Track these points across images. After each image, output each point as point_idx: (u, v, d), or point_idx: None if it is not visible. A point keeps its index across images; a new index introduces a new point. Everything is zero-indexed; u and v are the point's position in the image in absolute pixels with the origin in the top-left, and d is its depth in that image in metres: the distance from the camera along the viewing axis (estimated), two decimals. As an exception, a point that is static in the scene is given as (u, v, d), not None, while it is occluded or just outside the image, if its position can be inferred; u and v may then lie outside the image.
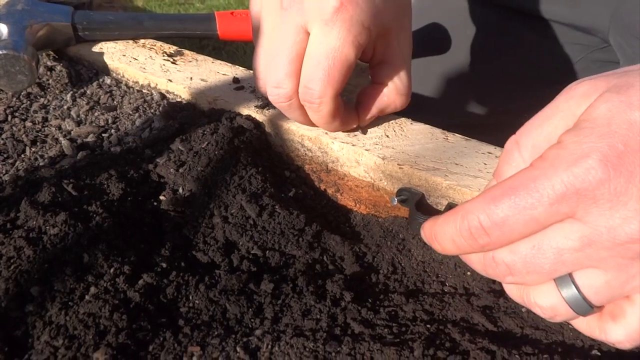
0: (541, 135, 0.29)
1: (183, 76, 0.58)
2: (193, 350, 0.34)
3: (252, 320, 0.37)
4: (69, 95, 0.58)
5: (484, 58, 0.77)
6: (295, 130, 0.50)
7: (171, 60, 0.61)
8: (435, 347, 0.35)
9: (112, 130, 0.53)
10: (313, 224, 0.45)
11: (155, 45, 0.64)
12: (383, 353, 0.34)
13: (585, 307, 0.27)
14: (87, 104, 0.57)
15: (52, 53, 0.62)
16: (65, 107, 0.56)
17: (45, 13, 0.59)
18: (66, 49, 0.62)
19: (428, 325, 0.37)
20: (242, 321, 0.36)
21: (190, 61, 0.61)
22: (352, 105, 0.49)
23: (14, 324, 0.34)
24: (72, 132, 0.53)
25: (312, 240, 0.44)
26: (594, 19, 0.66)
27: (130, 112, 0.55)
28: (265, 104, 0.53)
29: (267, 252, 0.42)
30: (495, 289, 0.42)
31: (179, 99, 0.57)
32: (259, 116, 0.52)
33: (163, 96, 0.57)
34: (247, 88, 0.56)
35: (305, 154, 0.51)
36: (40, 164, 0.48)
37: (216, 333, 0.35)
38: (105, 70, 0.61)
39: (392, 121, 0.51)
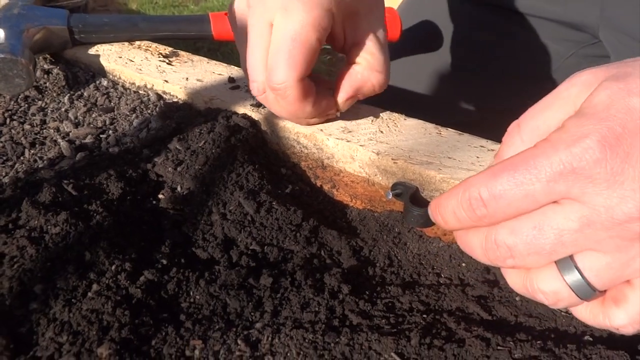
0: (542, 119, 0.30)
1: (179, 77, 0.58)
2: (195, 344, 0.35)
3: (252, 313, 0.37)
4: (66, 98, 0.58)
5: (476, 56, 0.78)
6: (291, 128, 0.51)
7: (167, 61, 0.62)
8: (431, 336, 0.36)
9: (110, 131, 0.54)
10: (310, 220, 0.46)
11: (150, 47, 0.64)
12: (381, 343, 0.35)
13: (588, 290, 0.27)
14: (85, 105, 0.57)
15: (48, 56, 0.63)
16: (63, 109, 0.57)
17: (42, 17, 0.59)
18: (63, 52, 0.63)
19: (424, 315, 0.38)
20: (243, 315, 0.37)
21: (185, 62, 0.62)
22: (330, 92, 0.48)
23: (19, 322, 0.34)
24: (70, 133, 0.53)
25: (310, 235, 0.45)
26: (584, 16, 0.67)
27: (128, 113, 0.56)
28: (260, 102, 0.54)
29: (266, 247, 0.43)
30: (489, 280, 0.43)
31: (175, 99, 0.57)
32: (255, 114, 0.53)
33: (160, 97, 0.58)
34: (242, 87, 0.57)
35: (301, 151, 0.52)
36: (40, 165, 0.49)
37: (217, 327, 0.36)
38: (101, 72, 0.62)
39: (385, 117, 0.52)
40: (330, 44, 0.48)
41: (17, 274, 0.36)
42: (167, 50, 0.64)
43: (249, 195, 0.46)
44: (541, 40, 0.73)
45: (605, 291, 0.28)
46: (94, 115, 0.56)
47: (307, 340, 0.35)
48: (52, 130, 0.54)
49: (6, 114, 0.55)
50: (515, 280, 0.31)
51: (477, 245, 0.31)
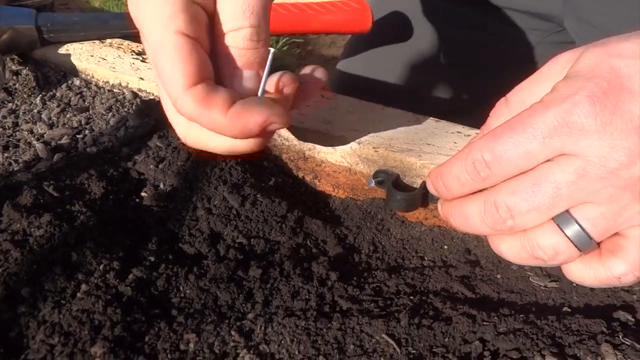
0: (528, 93, 0.32)
1: (154, 73, 0.58)
2: (189, 338, 0.35)
3: (244, 305, 0.38)
4: (38, 99, 0.57)
5: (448, 46, 0.79)
6: (271, 121, 0.51)
7: (141, 58, 0.61)
8: (420, 316, 0.37)
9: (87, 131, 0.53)
10: (295, 211, 0.46)
11: (122, 45, 0.64)
12: (372, 325, 0.36)
13: (587, 240, 0.28)
14: (58, 106, 0.56)
15: (16, 57, 0.61)
16: (35, 110, 0.56)
17: (8, 16, 0.58)
18: (31, 52, 0.61)
19: (411, 297, 0.39)
20: (234, 307, 0.38)
21: (159, 59, 0.61)
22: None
23: (7, 326, 0.34)
24: (45, 135, 0.52)
25: (295, 226, 0.45)
26: (549, 6, 0.69)
27: (104, 112, 0.55)
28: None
29: (252, 240, 0.43)
30: (471, 260, 0.45)
31: (152, 97, 0.57)
32: (234, 109, 0.53)
33: (135, 94, 0.57)
34: (219, 82, 0.57)
35: (282, 143, 0.52)
36: (15, 168, 0.48)
37: (210, 320, 0.36)
38: (73, 71, 0.60)
39: (364, 107, 0.53)
40: None
41: (2, 278, 0.35)
42: (140, 47, 0.63)
43: (233, 189, 0.46)
44: (511, 31, 0.75)
45: (599, 244, 0.30)
46: (68, 116, 0.55)
47: (299, 327, 0.35)
48: (25, 132, 0.53)
49: (-24, 118, 0.54)
50: (511, 245, 0.31)
51: (475, 212, 0.31)
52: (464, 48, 0.79)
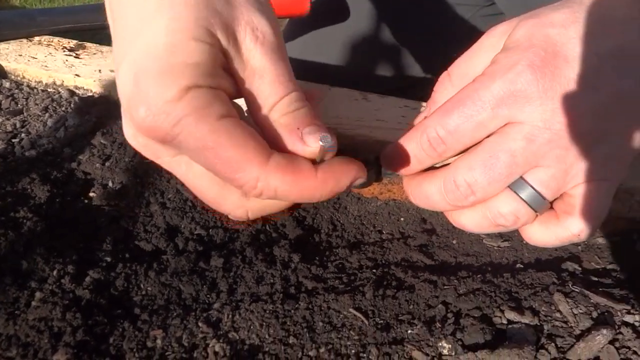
0: (469, 66, 0.33)
1: (90, 69, 0.55)
2: (155, 334, 0.34)
3: (208, 295, 0.38)
4: (-35, 104, 0.53)
5: (386, 26, 0.80)
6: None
7: (74, 54, 0.58)
8: (384, 287, 0.38)
9: (23, 135, 0.50)
10: (251, 197, 0.46)
11: (52, 42, 0.60)
12: (338, 301, 0.36)
13: (541, 201, 0.30)
14: (-12, 110, 0.53)
15: None
16: (-37, 117, 0.52)
17: None
18: (-49, 55, 0.57)
19: (374, 270, 0.40)
20: (199, 298, 0.37)
21: (94, 53, 0.59)
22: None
23: (-42, 344, 0.32)
24: (-23, 142, 0.49)
25: (253, 212, 0.45)
26: None
27: (39, 114, 0.52)
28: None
29: (211, 230, 0.43)
30: (427, 229, 0.46)
31: (90, 94, 0.55)
32: (179, 100, 0.52)
33: (72, 92, 0.55)
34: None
35: (232, 131, 0.51)
36: (-52, 180, 0.45)
37: (175, 314, 0.36)
38: (2, 73, 0.57)
39: (312, 88, 0.53)
40: None
41: (-53, 295, 0.33)
42: (72, 43, 0.60)
43: (185, 181, 0.45)
44: (445, 7, 0.77)
45: (551, 203, 0.31)
46: (0, 120, 0.52)
47: (267, 311, 0.36)
48: (-46, 141, 0.49)
49: None
50: (472, 217, 0.32)
51: (434, 192, 0.32)
52: (401, 27, 0.80)
